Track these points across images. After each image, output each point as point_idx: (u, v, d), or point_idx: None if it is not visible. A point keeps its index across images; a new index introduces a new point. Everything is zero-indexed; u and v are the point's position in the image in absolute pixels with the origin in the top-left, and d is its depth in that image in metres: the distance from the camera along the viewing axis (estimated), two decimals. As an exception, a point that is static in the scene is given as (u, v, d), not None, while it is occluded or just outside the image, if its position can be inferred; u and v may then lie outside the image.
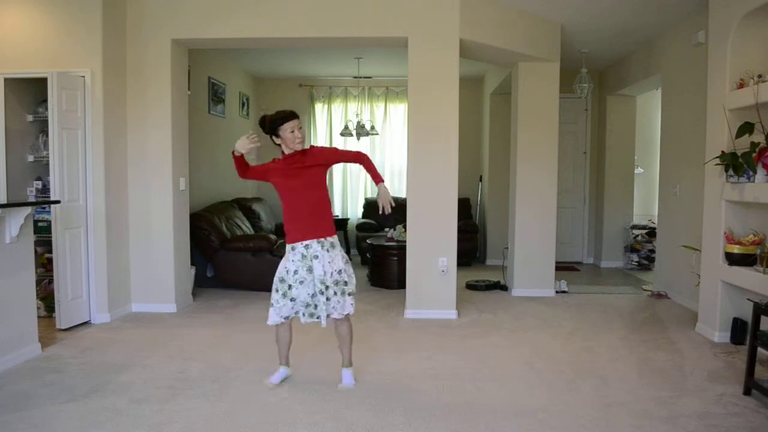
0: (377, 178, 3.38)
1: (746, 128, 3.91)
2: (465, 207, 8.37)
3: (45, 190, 4.88)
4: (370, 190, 9.09)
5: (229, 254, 6.07)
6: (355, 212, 9.05)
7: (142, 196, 5.14)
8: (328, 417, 2.96)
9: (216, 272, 6.20)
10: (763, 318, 3.34)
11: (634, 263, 7.72)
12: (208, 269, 6.28)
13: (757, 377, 3.27)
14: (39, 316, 4.09)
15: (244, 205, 7.45)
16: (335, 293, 3.22)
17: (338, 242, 3.32)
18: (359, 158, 3.39)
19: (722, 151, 4.16)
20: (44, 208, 4.65)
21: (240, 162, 3.36)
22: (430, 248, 5.09)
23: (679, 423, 2.90)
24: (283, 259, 3.32)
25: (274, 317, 3.31)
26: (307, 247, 3.21)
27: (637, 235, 7.80)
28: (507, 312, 5.23)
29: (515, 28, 5.51)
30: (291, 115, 3.27)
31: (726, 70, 4.23)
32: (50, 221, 4.53)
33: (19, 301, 3.75)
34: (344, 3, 5.01)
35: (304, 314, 3.30)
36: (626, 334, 4.56)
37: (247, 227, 6.94)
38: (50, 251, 4.59)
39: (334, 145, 8.89)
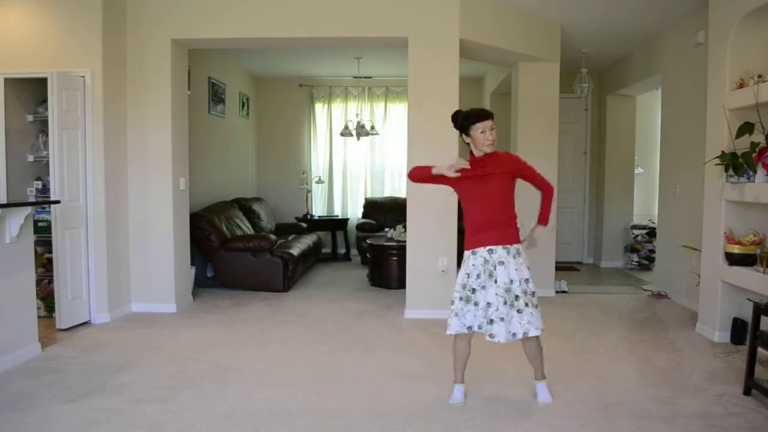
0: (545, 219, 3.22)
1: (746, 128, 3.91)
2: (465, 207, 8.36)
3: (45, 190, 4.88)
4: (370, 190, 9.09)
5: (229, 254, 6.08)
6: (355, 212, 9.05)
7: (142, 196, 5.14)
8: (327, 417, 2.96)
9: (216, 272, 6.20)
10: (763, 318, 3.34)
11: (634, 263, 7.72)
12: (208, 269, 6.29)
13: (757, 377, 3.27)
14: (39, 316, 4.09)
15: (244, 205, 7.45)
16: (527, 304, 2.95)
17: (523, 251, 3.09)
18: (547, 188, 3.21)
19: (722, 151, 4.16)
20: (44, 208, 4.65)
21: (427, 173, 3.13)
22: (430, 248, 5.08)
23: (679, 423, 2.90)
24: (462, 266, 3.09)
25: (455, 325, 3.03)
26: (490, 251, 2.99)
27: (637, 235, 7.79)
28: (507, 312, 5.23)
29: (515, 28, 5.51)
30: (485, 115, 3.02)
31: (726, 70, 4.23)
32: (50, 221, 4.53)
33: (19, 301, 3.76)
34: (344, 3, 5.01)
35: (491, 322, 2.97)
36: (626, 334, 4.56)
37: (247, 227, 6.94)
38: (50, 251, 4.59)
39: (334, 146, 8.94)
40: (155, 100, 5.09)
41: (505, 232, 3.03)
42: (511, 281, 2.97)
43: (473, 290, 3.02)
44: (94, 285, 4.76)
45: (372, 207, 8.77)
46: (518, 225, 3.09)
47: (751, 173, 3.91)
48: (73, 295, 4.58)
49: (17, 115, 4.84)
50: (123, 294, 5.08)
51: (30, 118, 4.93)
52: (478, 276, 3.02)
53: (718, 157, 4.16)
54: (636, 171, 7.98)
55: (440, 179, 3.12)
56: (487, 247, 3.01)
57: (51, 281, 4.70)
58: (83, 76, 4.68)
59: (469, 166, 3.01)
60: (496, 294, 2.95)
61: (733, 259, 4.12)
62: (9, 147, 4.73)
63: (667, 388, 3.38)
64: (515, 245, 3.04)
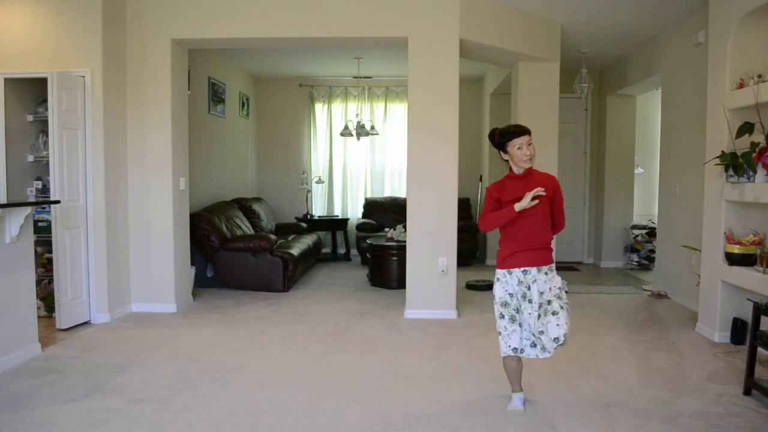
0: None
1: (746, 128, 3.91)
2: (465, 207, 8.38)
3: (45, 190, 4.88)
4: (370, 190, 9.10)
5: (229, 254, 6.08)
6: (355, 212, 9.05)
7: (142, 196, 5.14)
8: (327, 417, 2.96)
9: (216, 272, 6.20)
10: (763, 318, 3.34)
11: (634, 263, 7.72)
12: (208, 269, 6.29)
13: (757, 377, 3.27)
14: (39, 316, 4.09)
15: (244, 205, 7.45)
16: (561, 307, 2.88)
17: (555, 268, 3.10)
18: (560, 224, 3.15)
19: (722, 151, 4.16)
20: (44, 208, 4.65)
21: (505, 217, 2.98)
22: (430, 248, 5.08)
23: (679, 423, 2.90)
24: (498, 284, 3.05)
25: (504, 349, 3.03)
26: (525, 272, 2.99)
27: (637, 235, 7.79)
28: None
29: (515, 28, 5.51)
30: (522, 131, 3.00)
31: (726, 70, 4.23)
32: (50, 221, 4.53)
33: (19, 301, 3.75)
34: (344, 3, 5.01)
35: (534, 345, 2.99)
36: (626, 334, 4.56)
37: (247, 227, 6.94)
38: (50, 251, 4.59)
39: (334, 146, 8.94)
40: (155, 100, 5.09)
41: (542, 254, 3.02)
42: (542, 292, 2.96)
43: (517, 309, 3.01)
44: (94, 285, 4.76)
45: (372, 207, 8.77)
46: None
47: (751, 173, 3.91)
48: (73, 295, 4.58)
49: (17, 115, 4.83)
50: (123, 294, 5.08)
51: (30, 118, 4.93)
52: (513, 296, 3.01)
53: (718, 157, 4.16)
54: (636, 171, 7.98)
55: (495, 210, 3.03)
56: (522, 268, 2.99)
57: (51, 281, 4.70)
58: (83, 76, 4.68)
59: (544, 193, 2.92)
60: (530, 314, 2.96)
61: (733, 259, 4.12)
62: (9, 147, 4.73)
63: (667, 388, 3.38)
64: (550, 265, 3.04)
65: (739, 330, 4.21)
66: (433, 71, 5.03)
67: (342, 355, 4.01)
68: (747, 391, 3.26)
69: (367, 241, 6.98)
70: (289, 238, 7.38)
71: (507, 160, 3.07)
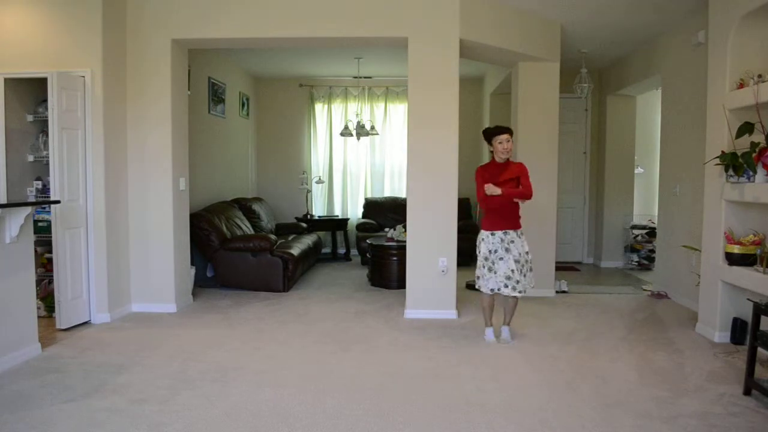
0: (507, 192, 4.11)
1: (746, 128, 3.91)
2: (465, 207, 8.37)
3: (45, 190, 4.88)
4: (370, 190, 9.10)
5: (229, 254, 6.07)
6: (355, 212, 9.05)
7: (142, 196, 5.14)
8: (327, 417, 2.96)
9: (216, 272, 6.20)
10: (763, 318, 3.34)
11: (634, 263, 7.72)
12: (208, 269, 6.29)
13: (757, 377, 3.27)
14: (39, 316, 4.10)
15: (244, 205, 7.45)
16: (530, 270, 4.21)
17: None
18: (526, 189, 4.14)
19: (722, 151, 4.16)
20: (44, 208, 4.66)
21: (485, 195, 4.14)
22: (430, 248, 5.08)
23: (679, 423, 2.90)
24: (483, 241, 4.20)
25: (485, 290, 4.22)
26: (505, 233, 4.15)
27: (637, 235, 7.79)
28: (507, 312, 5.23)
29: (515, 28, 5.51)
30: (503, 130, 4.17)
31: (726, 70, 4.23)
32: (50, 221, 4.53)
33: (19, 301, 3.75)
34: (344, 3, 5.01)
35: (506, 286, 4.12)
36: (626, 334, 4.56)
37: (247, 227, 6.94)
38: (50, 251, 4.59)
39: (334, 146, 8.95)
40: (155, 99, 5.09)
41: (515, 220, 4.21)
42: (520, 254, 4.15)
43: (494, 262, 4.15)
44: (94, 285, 4.76)
45: (372, 207, 8.77)
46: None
47: (751, 173, 3.91)
48: (73, 295, 4.58)
49: (17, 115, 4.83)
50: (123, 294, 5.08)
51: (30, 118, 4.93)
52: (496, 251, 4.15)
53: (718, 157, 4.16)
54: (636, 171, 7.98)
55: (480, 187, 4.17)
56: (504, 230, 4.16)
57: (51, 281, 4.70)
58: (83, 76, 4.68)
59: (498, 193, 4.06)
60: (516, 262, 4.13)
61: (733, 259, 4.12)
62: (9, 147, 4.73)
63: (667, 388, 3.38)
64: (520, 229, 4.24)
65: (739, 330, 4.21)
66: (433, 71, 5.03)
67: (342, 355, 4.01)
68: (747, 391, 3.26)
69: (367, 241, 6.98)
70: (289, 238, 7.37)
71: (492, 152, 4.24)
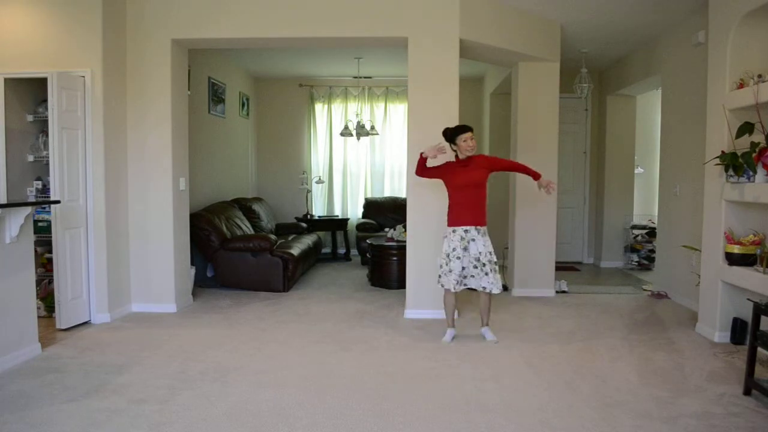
0: (535, 174, 4.35)
1: (746, 128, 3.91)
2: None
3: (45, 190, 4.88)
4: (370, 190, 9.09)
5: (229, 254, 6.07)
6: (355, 212, 9.05)
7: (142, 196, 5.14)
8: (327, 417, 2.96)
9: (216, 272, 6.20)
10: (763, 318, 3.34)
11: (634, 263, 7.72)
12: (208, 269, 6.29)
13: (757, 377, 3.27)
14: (39, 316, 4.10)
15: (244, 205, 7.45)
16: (492, 270, 4.14)
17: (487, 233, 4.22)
18: (518, 164, 4.37)
19: (722, 151, 4.16)
20: (44, 208, 4.66)
21: (423, 162, 4.27)
22: (430, 248, 5.08)
23: (679, 423, 2.90)
24: (446, 239, 4.25)
25: (446, 284, 4.21)
26: (466, 231, 4.16)
27: (637, 235, 7.79)
28: (507, 312, 5.23)
29: (515, 28, 5.51)
30: (466, 129, 4.26)
31: (726, 70, 4.23)
32: (50, 221, 4.53)
33: (19, 301, 3.75)
34: (344, 3, 5.01)
35: (459, 284, 4.15)
36: (626, 334, 4.56)
37: (247, 227, 6.94)
38: (50, 251, 4.59)
39: (334, 146, 8.95)
40: (155, 99, 5.09)
41: (478, 216, 4.18)
42: (480, 253, 4.15)
43: (452, 260, 4.17)
44: (94, 285, 4.76)
45: (372, 207, 8.77)
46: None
47: (751, 173, 3.91)
48: (73, 295, 4.58)
49: (17, 115, 4.83)
50: (123, 294, 5.08)
51: (30, 118, 4.93)
52: (454, 249, 4.17)
53: (718, 157, 4.16)
54: (636, 171, 7.98)
55: (434, 171, 4.31)
56: (464, 228, 4.17)
57: (51, 281, 4.70)
58: (83, 76, 4.68)
59: (445, 151, 4.22)
60: (470, 261, 4.16)
61: (733, 259, 4.12)
62: (9, 147, 4.73)
63: (667, 388, 3.38)
64: (483, 227, 4.21)
65: (739, 330, 4.21)
66: (433, 71, 5.03)
67: (342, 355, 4.01)
68: (747, 391, 3.26)
69: (367, 241, 6.98)
70: (289, 238, 7.38)
71: (455, 150, 4.29)
